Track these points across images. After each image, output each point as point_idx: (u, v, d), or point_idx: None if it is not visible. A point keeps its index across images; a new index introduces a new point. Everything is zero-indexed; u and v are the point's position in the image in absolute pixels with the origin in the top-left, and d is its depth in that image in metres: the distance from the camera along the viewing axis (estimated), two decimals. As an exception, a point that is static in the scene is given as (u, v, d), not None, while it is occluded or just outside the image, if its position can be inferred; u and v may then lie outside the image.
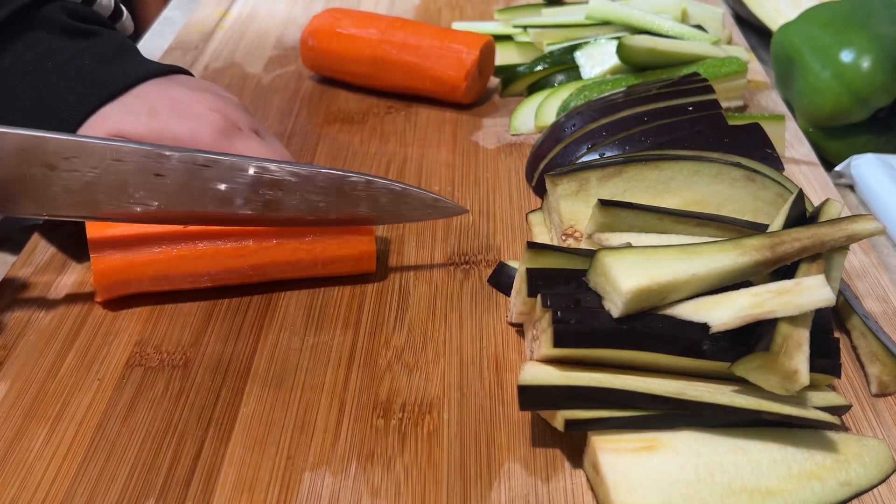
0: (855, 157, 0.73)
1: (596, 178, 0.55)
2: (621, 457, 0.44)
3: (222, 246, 0.55)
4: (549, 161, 0.67)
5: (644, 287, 0.43)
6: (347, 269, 0.58)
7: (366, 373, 0.52)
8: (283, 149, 0.62)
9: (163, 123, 0.56)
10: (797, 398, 0.46)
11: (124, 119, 0.56)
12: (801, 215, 0.51)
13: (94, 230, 0.54)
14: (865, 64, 0.71)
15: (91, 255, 0.54)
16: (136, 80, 0.58)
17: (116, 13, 0.65)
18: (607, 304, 0.45)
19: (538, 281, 0.48)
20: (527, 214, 0.63)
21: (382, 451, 0.47)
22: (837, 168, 0.75)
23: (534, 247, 0.49)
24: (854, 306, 0.55)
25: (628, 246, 0.49)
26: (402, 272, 0.60)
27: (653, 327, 0.45)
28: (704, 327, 0.44)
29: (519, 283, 0.52)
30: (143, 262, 0.55)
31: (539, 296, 0.46)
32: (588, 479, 0.46)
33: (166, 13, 1.07)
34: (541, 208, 0.62)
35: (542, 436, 0.48)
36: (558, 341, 0.44)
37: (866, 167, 0.72)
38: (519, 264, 0.54)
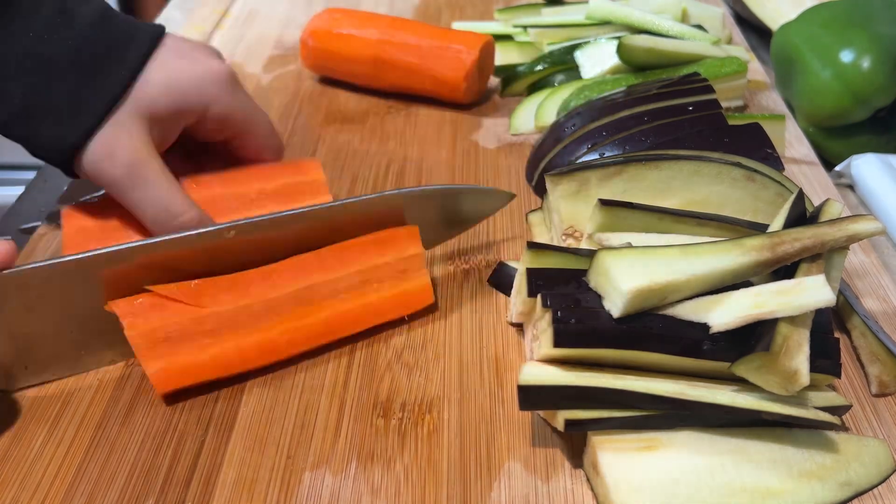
0: (855, 157, 0.73)
1: (596, 178, 0.55)
2: (621, 457, 0.44)
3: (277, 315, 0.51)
4: (549, 161, 0.67)
5: (644, 287, 0.43)
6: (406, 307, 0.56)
7: (366, 373, 0.52)
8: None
9: (172, 74, 0.55)
10: (797, 398, 0.46)
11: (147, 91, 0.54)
12: (801, 215, 0.50)
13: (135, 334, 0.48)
14: (865, 64, 0.71)
15: (144, 364, 0.48)
16: (139, 62, 0.55)
17: None
18: (607, 304, 0.45)
19: (538, 281, 0.48)
20: (527, 214, 0.63)
21: (382, 451, 0.47)
22: (837, 168, 0.75)
23: (534, 247, 0.49)
24: (854, 306, 0.55)
25: (629, 246, 0.49)
26: (402, 272, 0.60)
27: (653, 327, 0.45)
28: (704, 327, 0.44)
29: (519, 283, 0.52)
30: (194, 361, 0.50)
31: (539, 296, 0.46)
32: (588, 479, 0.46)
33: (166, 13, 1.07)
34: (541, 208, 0.62)
35: (542, 436, 0.48)
36: (558, 341, 0.44)
37: (866, 167, 0.72)
38: (519, 264, 0.54)
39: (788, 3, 0.94)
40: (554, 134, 0.68)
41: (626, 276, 0.44)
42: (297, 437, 0.48)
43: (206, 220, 0.55)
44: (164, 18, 1.06)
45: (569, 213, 0.55)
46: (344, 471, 0.46)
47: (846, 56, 0.72)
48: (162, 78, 0.55)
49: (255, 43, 0.95)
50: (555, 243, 0.58)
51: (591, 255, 0.47)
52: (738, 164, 0.55)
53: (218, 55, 0.61)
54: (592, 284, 0.46)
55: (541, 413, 0.48)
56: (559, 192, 0.55)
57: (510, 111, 0.80)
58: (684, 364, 0.45)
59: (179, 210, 0.54)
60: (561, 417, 0.44)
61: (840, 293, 0.55)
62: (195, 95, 0.56)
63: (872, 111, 0.73)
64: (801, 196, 0.51)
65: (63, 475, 0.46)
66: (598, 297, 0.46)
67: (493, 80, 0.85)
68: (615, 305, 0.44)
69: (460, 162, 0.73)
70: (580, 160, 0.64)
